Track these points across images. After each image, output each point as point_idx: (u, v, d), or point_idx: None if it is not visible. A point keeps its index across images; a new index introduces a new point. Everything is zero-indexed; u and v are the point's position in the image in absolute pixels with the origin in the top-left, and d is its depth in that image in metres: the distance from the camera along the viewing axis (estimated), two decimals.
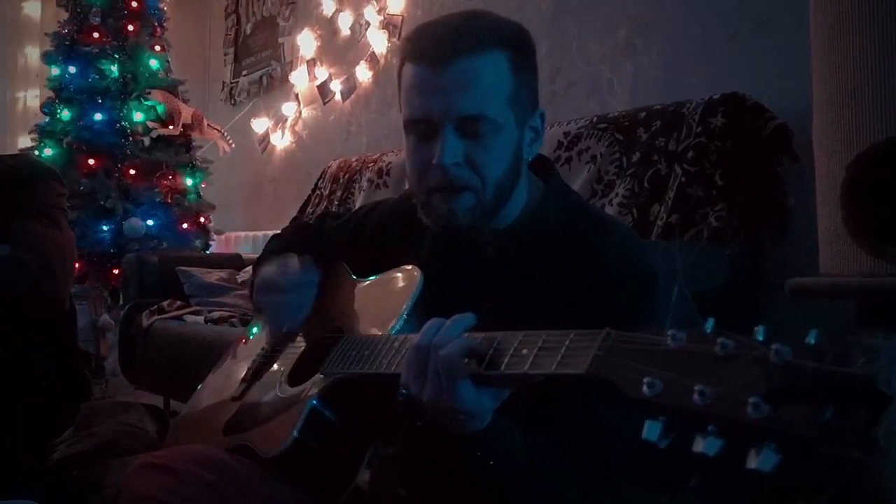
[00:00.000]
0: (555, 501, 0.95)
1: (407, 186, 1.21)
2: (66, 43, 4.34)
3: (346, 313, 1.14)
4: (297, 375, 1.12)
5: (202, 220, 4.53)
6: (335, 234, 1.33)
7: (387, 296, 1.08)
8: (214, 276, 3.45)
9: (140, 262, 3.50)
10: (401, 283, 1.07)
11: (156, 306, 3.20)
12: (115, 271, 4.05)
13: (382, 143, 3.78)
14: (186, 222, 4.40)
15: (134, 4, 4.43)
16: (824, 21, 1.49)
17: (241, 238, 4.65)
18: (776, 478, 0.49)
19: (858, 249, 1.37)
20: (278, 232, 1.43)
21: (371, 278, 1.15)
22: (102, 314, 3.99)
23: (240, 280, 3.49)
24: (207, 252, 4.42)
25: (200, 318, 3.02)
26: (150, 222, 4.18)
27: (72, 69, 4.29)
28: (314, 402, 1.00)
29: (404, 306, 1.01)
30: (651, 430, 0.57)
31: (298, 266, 1.18)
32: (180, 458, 1.02)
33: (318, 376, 1.04)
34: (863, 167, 1.35)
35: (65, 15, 4.46)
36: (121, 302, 3.70)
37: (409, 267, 1.07)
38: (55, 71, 4.36)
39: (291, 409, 1.04)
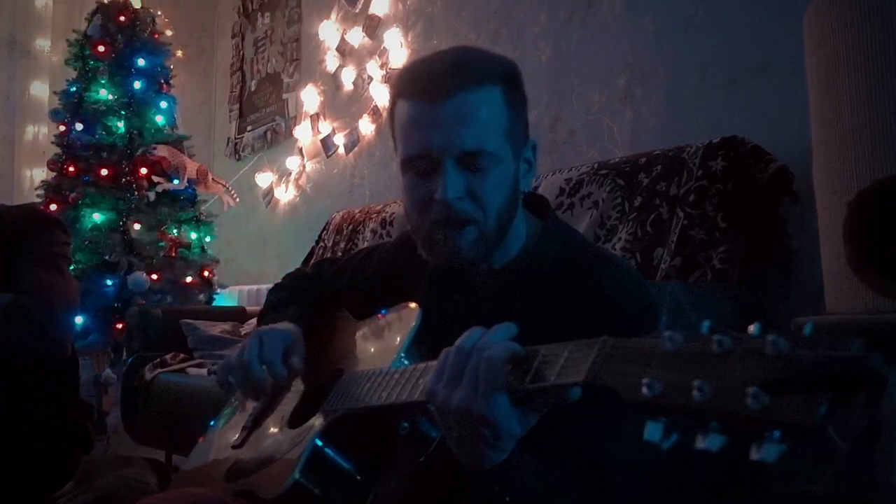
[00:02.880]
0: None
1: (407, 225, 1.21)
2: (74, 101, 4.41)
3: (346, 355, 1.13)
4: (297, 417, 1.11)
5: (206, 273, 4.53)
6: (333, 280, 1.33)
7: (386, 334, 1.08)
8: (218, 328, 3.44)
9: (144, 315, 3.50)
10: (400, 322, 1.06)
11: (159, 359, 3.18)
12: (119, 326, 4.04)
13: (386, 195, 3.81)
14: (191, 276, 4.41)
15: (141, 62, 4.51)
16: (819, 64, 1.52)
17: (246, 291, 4.65)
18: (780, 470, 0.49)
19: (863, 287, 1.36)
20: (279, 282, 1.43)
21: (370, 320, 1.15)
22: (105, 369, 3.96)
23: (243, 332, 3.48)
24: (212, 305, 4.41)
25: (203, 371, 3.00)
26: (154, 276, 4.18)
27: (79, 126, 4.35)
28: (315, 441, 0.99)
29: (403, 342, 1.00)
30: (652, 431, 0.57)
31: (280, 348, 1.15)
32: (181, 501, 1.00)
33: (319, 416, 1.03)
34: (864, 205, 1.36)
35: (73, 74, 4.55)
36: (124, 356, 3.69)
37: (409, 305, 1.07)
38: (62, 127, 4.42)
39: (292, 451, 1.03)
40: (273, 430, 1.14)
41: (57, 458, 1.81)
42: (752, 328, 0.55)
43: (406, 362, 0.97)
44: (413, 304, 1.06)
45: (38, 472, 1.75)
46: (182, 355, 3.23)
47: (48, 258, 1.76)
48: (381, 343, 1.07)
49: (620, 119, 2.65)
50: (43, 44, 5.25)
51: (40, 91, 5.21)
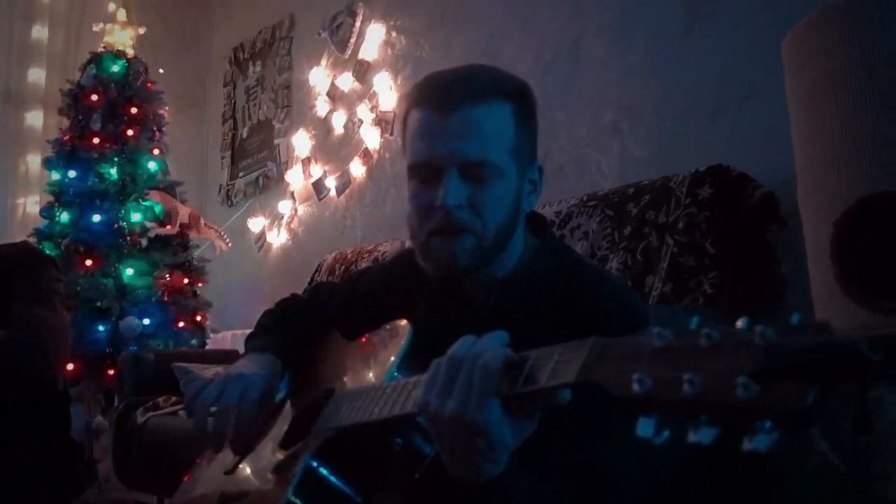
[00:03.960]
0: None
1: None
2: (67, 149, 4.43)
3: (337, 374, 1.13)
4: (289, 439, 1.11)
5: (199, 318, 4.51)
6: (328, 302, 1.34)
7: (377, 351, 1.08)
8: (211, 371, 3.41)
9: (136, 359, 3.47)
10: (390, 338, 1.06)
11: (151, 403, 3.15)
12: (111, 372, 4.00)
13: (378, 235, 3.82)
14: (183, 321, 4.38)
15: (133, 110, 4.54)
16: (799, 88, 1.55)
17: (239, 336, 4.62)
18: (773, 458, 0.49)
19: (851, 304, 1.37)
20: (271, 307, 1.43)
21: (361, 338, 1.15)
22: (97, 416, 3.92)
23: None
24: (205, 349, 4.38)
25: None
26: (146, 321, 4.16)
27: (72, 173, 4.35)
28: (307, 461, 0.98)
29: (393, 359, 1.00)
30: (644, 427, 0.56)
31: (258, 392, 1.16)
32: None
33: (311, 436, 1.03)
34: (849, 222, 1.38)
35: (66, 123, 4.57)
36: (115, 402, 3.65)
37: (399, 322, 1.07)
38: (55, 176, 4.43)
39: (285, 472, 1.02)
40: (265, 452, 1.14)
41: (47, 498, 1.78)
42: (740, 322, 0.55)
43: (398, 376, 0.97)
44: (403, 321, 1.06)
45: None
46: (174, 398, 3.20)
47: (41, 294, 1.77)
48: (373, 361, 1.07)
49: (608, 152, 2.68)
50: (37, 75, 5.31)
51: (36, 120, 5.23)
